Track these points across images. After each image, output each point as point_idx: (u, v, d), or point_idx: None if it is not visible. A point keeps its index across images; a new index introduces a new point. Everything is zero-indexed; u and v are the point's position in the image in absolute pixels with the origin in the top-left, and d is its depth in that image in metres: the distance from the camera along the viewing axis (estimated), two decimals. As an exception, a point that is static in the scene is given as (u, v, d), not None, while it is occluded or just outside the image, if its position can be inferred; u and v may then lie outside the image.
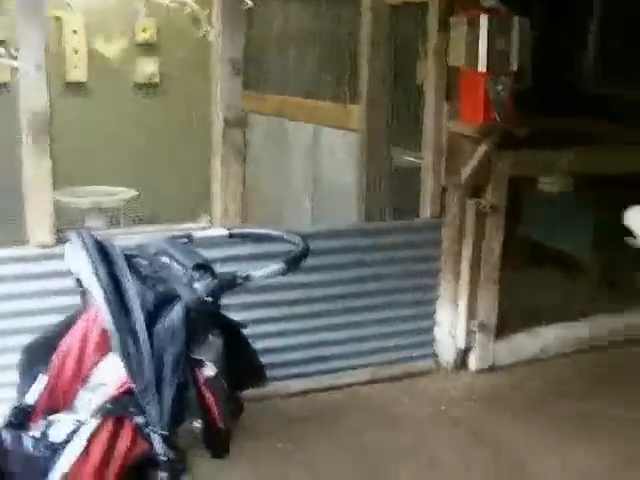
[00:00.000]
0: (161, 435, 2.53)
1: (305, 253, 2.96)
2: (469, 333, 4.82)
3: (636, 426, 4.28)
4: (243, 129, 4.31)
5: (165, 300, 2.63)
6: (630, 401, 4.53)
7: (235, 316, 4.15)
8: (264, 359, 4.30)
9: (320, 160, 5.82)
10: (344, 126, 5.37)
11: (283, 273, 2.85)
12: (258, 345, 4.27)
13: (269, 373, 4.34)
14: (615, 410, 4.46)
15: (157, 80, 6.99)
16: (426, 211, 4.67)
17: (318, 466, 3.80)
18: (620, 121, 6.58)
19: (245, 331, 4.23)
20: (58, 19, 6.48)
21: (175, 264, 2.81)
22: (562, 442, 4.11)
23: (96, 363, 2.71)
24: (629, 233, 3.60)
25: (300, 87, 6.10)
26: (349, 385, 4.55)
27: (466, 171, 4.48)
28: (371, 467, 3.79)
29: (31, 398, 2.71)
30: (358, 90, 5.11)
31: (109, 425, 2.55)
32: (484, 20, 4.09)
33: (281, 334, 4.39)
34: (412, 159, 4.79)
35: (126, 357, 2.52)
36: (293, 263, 2.89)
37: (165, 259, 2.87)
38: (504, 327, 5.04)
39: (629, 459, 3.98)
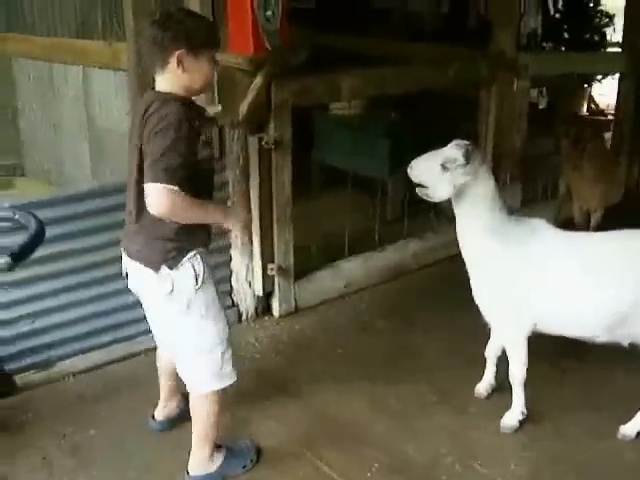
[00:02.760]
0: None
1: (37, 240, 2.49)
2: (267, 278, 4.54)
3: (443, 358, 4.20)
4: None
5: None
6: (435, 335, 4.45)
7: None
8: (43, 339, 3.92)
9: (92, 105, 5.31)
10: (112, 66, 4.88)
11: (9, 268, 2.38)
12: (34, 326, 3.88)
13: (52, 353, 3.96)
14: (422, 344, 4.37)
15: None
16: (206, 153, 4.29)
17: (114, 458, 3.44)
18: (404, 37, 6.45)
19: (17, 311, 3.82)
20: None
21: None
22: (372, 385, 3.95)
23: None
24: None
25: (67, 26, 5.50)
26: (147, 351, 4.10)
27: (243, 107, 4.12)
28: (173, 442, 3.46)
29: None
30: (124, 27, 4.61)
31: None
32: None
33: (56, 310, 3.94)
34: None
35: None
36: (21, 255, 2.41)
37: None
38: (305, 266, 4.81)
39: (444, 394, 3.88)
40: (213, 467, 3.21)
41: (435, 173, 3.28)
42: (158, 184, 2.58)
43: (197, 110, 2.88)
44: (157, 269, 2.85)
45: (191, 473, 3.19)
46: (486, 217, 3.33)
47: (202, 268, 2.92)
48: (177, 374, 3.21)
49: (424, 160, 3.34)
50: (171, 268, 2.85)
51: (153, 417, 3.56)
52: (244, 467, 3.27)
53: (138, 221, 2.84)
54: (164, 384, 3.51)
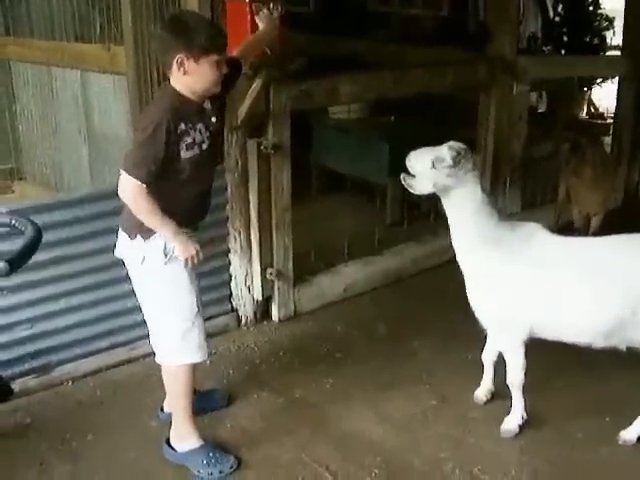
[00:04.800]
0: None
1: (34, 246, 2.47)
2: (266, 282, 4.52)
3: (442, 363, 4.17)
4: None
5: None
6: (434, 340, 4.41)
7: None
8: (42, 344, 3.90)
9: (91, 108, 5.30)
10: (111, 70, 4.87)
11: (6, 274, 2.36)
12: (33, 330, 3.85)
13: (50, 358, 3.93)
14: (420, 349, 4.34)
15: None
16: (204, 157, 4.27)
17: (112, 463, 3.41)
18: (401, 40, 6.43)
19: (16, 316, 3.80)
20: None
21: None
22: (372, 389, 3.94)
23: None
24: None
25: (65, 30, 5.48)
26: (145, 356, 4.06)
27: (242, 111, 4.11)
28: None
29: None
30: (122, 30, 4.59)
31: None
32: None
33: (54, 314, 3.91)
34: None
35: None
36: (18, 261, 2.39)
37: None
38: (304, 270, 4.79)
39: (444, 400, 3.86)
40: (183, 448, 3.33)
41: (425, 167, 3.32)
42: (126, 174, 2.85)
43: (192, 110, 2.97)
44: (132, 238, 3.09)
45: (171, 441, 3.37)
46: (473, 223, 3.33)
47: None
48: None
49: (420, 153, 3.39)
50: (144, 239, 3.06)
51: (162, 409, 3.62)
52: (210, 474, 3.27)
53: None
54: None
